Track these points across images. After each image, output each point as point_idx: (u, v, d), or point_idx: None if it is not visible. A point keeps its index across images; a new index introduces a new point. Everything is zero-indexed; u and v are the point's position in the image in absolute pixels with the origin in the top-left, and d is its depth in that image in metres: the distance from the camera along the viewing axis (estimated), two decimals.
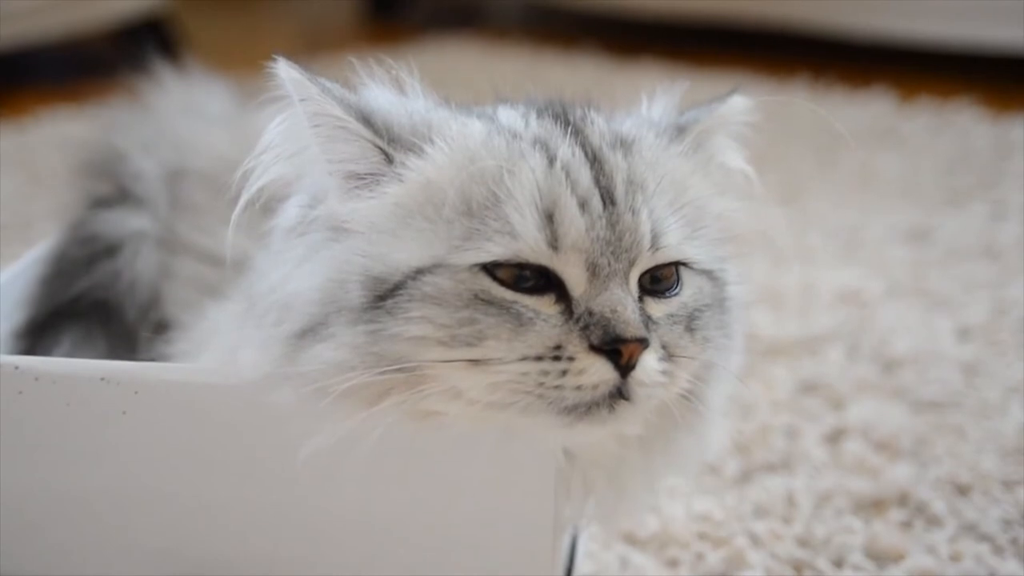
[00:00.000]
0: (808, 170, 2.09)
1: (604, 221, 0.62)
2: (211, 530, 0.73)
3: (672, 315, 0.64)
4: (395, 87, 0.69)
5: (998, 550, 0.95)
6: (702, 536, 0.97)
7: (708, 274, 0.68)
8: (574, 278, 0.61)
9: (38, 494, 0.74)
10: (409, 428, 0.63)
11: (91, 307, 0.93)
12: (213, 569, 0.74)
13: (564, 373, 0.59)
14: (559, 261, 0.61)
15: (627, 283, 0.62)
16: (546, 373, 0.59)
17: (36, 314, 0.94)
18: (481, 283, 0.60)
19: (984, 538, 0.97)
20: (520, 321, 0.60)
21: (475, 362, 0.60)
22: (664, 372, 0.62)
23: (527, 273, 0.61)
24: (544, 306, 0.61)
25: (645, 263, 0.63)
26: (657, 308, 0.64)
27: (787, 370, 1.28)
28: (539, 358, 0.60)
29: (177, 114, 1.03)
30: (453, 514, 0.69)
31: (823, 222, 1.81)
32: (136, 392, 0.69)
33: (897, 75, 2.69)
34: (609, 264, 0.61)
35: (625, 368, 0.60)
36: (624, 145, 0.67)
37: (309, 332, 0.62)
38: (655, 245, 0.63)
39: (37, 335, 0.92)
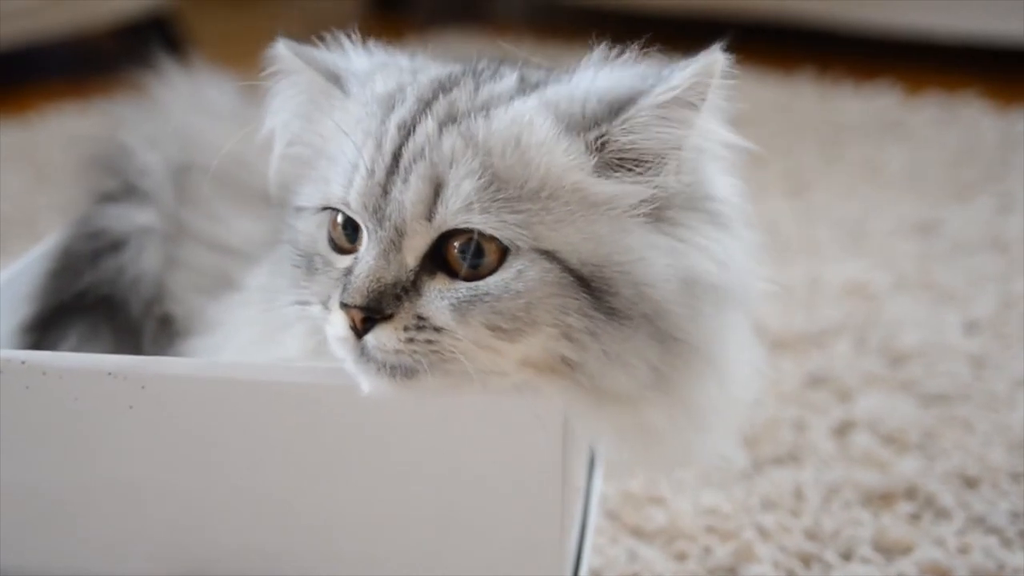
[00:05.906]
0: (814, 163, 2.08)
1: (380, 188, 0.63)
2: (218, 525, 0.73)
3: (462, 295, 0.61)
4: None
5: (1007, 542, 0.95)
6: (710, 529, 0.97)
7: (549, 255, 0.62)
8: (363, 236, 0.65)
9: (45, 489, 0.74)
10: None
11: (97, 302, 0.93)
12: (221, 564, 0.74)
13: (327, 321, 0.65)
14: (358, 219, 0.65)
15: (399, 252, 0.63)
16: (316, 318, 0.67)
17: (42, 309, 0.94)
18: (319, 231, 0.68)
19: (993, 530, 0.97)
20: (311, 269, 0.68)
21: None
22: (411, 341, 0.61)
23: (346, 224, 0.66)
24: (338, 261, 0.67)
25: (425, 233, 0.62)
26: (444, 284, 0.62)
27: (794, 363, 1.28)
28: (320, 303, 0.66)
29: (182, 109, 1.03)
30: (459, 488, 0.69)
31: (829, 215, 1.81)
32: (143, 387, 0.69)
33: (903, 68, 2.67)
34: (375, 230, 0.63)
35: (361, 332, 0.62)
36: (456, 119, 0.64)
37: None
38: (429, 215, 0.62)
39: (43, 330, 0.92)
